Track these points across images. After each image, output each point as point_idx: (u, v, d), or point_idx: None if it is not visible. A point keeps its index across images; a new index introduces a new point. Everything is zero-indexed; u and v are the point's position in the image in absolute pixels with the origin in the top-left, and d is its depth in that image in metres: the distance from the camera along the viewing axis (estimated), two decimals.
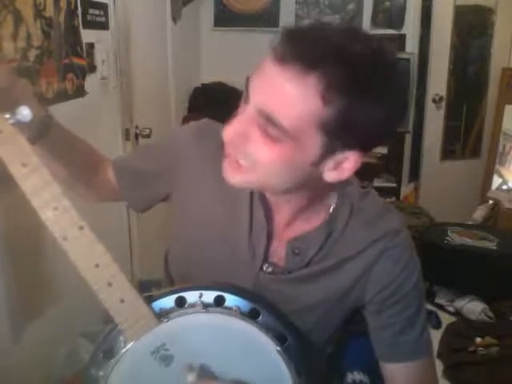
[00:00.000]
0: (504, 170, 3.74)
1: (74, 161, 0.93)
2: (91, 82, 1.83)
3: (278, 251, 0.90)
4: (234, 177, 0.80)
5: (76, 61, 1.71)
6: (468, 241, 2.71)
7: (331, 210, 0.89)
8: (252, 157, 0.76)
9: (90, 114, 1.83)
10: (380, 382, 0.95)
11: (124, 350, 0.80)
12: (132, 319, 0.78)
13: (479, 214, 3.39)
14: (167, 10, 2.75)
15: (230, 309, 0.82)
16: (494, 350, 2.17)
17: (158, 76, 2.70)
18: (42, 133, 0.82)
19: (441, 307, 2.60)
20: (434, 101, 3.76)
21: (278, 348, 0.82)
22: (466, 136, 3.96)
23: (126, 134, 2.18)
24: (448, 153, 3.94)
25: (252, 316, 0.82)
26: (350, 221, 0.88)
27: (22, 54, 1.39)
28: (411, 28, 3.52)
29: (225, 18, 3.52)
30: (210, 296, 0.82)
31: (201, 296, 0.82)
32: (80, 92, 1.75)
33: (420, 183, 3.82)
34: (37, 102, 0.83)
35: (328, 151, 0.74)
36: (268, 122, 0.72)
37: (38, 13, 1.46)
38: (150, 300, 0.80)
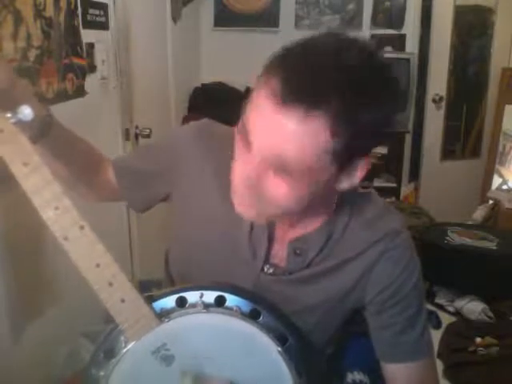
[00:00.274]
0: (504, 169, 3.75)
1: (75, 160, 0.93)
2: (91, 82, 1.82)
3: (280, 252, 0.90)
4: (250, 211, 0.79)
5: (76, 61, 1.71)
6: (468, 241, 2.71)
7: (332, 211, 0.89)
8: (266, 196, 0.76)
9: (90, 114, 1.82)
10: (380, 382, 0.95)
11: (125, 350, 0.80)
12: (133, 319, 0.78)
13: (479, 214, 3.40)
14: (167, 10, 2.75)
15: (230, 309, 0.82)
16: (494, 350, 2.17)
17: (158, 76, 2.70)
18: (43, 132, 0.82)
19: (441, 307, 2.60)
20: (434, 101, 3.76)
21: (279, 348, 0.82)
22: (466, 136, 3.96)
23: (126, 134, 2.18)
24: (448, 153, 3.94)
25: (253, 316, 0.82)
26: (350, 222, 0.88)
27: (22, 54, 1.39)
28: (411, 28, 3.52)
29: (225, 17, 3.53)
30: (210, 296, 0.82)
31: (201, 296, 0.82)
32: (80, 92, 1.75)
33: (420, 183, 3.82)
34: (37, 101, 0.83)
35: (341, 170, 0.75)
36: (278, 165, 0.71)
37: (38, 13, 1.46)
38: (150, 300, 0.80)
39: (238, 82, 3.49)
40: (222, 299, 0.82)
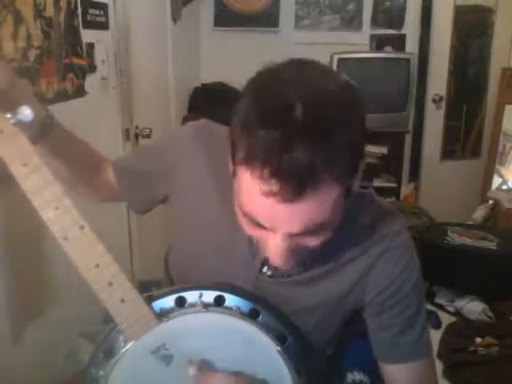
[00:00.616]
0: (504, 169, 3.74)
1: (75, 161, 0.94)
2: (91, 82, 1.83)
3: None
4: (290, 263, 0.79)
5: (76, 61, 1.71)
6: (468, 241, 2.71)
7: None
8: (305, 250, 0.77)
9: (90, 114, 1.82)
10: (380, 382, 0.95)
11: (124, 350, 0.80)
12: (132, 319, 0.78)
13: (479, 214, 3.40)
14: (167, 10, 2.75)
15: (230, 309, 0.82)
16: (494, 350, 2.17)
17: (158, 76, 2.70)
18: (43, 133, 0.82)
19: (441, 307, 2.60)
20: (434, 101, 3.76)
21: (278, 348, 0.82)
22: (466, 136, 3.96)
23: (126, 134, 2.18)
24: (448, 153, 3.94)
25: (252, 316, 0.82)
26: (349, 223, 0.88)
27: (22, 54, 1.39)
28: (411, 28, 3.52)
29: (225, 17, 3.53)
30: (210, 296, 0.82)
31: (201, 296, 0.82)
32: (80, 92, 1.75)
33: (420, 183, 3.82)
34: (37, 102, 0.83)
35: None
36: (307, 232, 0.72)
37: (38, 13, 1.46)
38: (150, 300, 0.81)
39: (237, 82, 3.46)
40: (222, 299, 0.82)
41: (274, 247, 0.74)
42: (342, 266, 0.88)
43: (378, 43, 3.54)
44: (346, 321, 0.94)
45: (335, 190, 0.69)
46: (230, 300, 0.82)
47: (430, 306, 2.56)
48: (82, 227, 0.75)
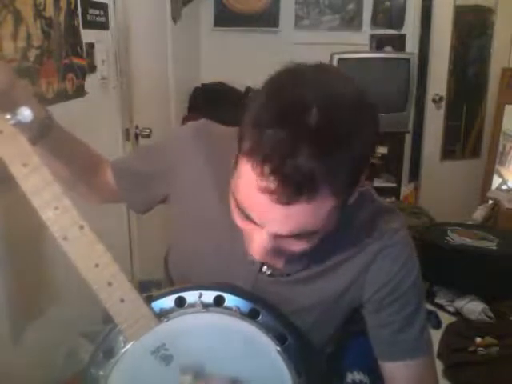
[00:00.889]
0: (504, 169, 3.74)
1: (74, 162, 0.94)
2: (91, 82, 1.83)
3: None
4: (280, 264, 0.81)
5: (76, 61, 1.71)
6: (468, 241, 2.71)
7: None
8: (286, 252, 0.78)
9: (90, 114, 1.82)
10: (380, 382, 0.95)
11: (124, 350, 0.80)
12: (132, 319, 0.78)
13: (479, 214, 3.39)
14: (167, 10, 2.75)
15: (229, 309, 0.82)
16: (494, 350, 2.17)
17: (158, 76, 2.70)
18: (43, 133, 0.82)
19: (441, 307, 2.60)
20: (434, 101, 3.76)
21: (278, 348, 0.82)
22: (466, 136, 3.96)
23: (126, 134, 2.18)
24: (448, 153, 3.94)
25: (252, 316, 0.82)
26: (348, 222, 0.88)
27: (22, 54, 1.39)
28: (411, 28, 3.52)
29: (225, 17, 3.53)
30: (209, 296, 0.82)
31: (200, 296, 0.82)
32: (80, 92, 1.75)
33: (420, 183, 3.82)
34: (37, 102, 0.83)
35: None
36: (292, 236, 0.73)
37: (38, 13, 1.46)
38: (149, 300, 0.81)
39: (238, 82, 3.49)
40: (221, 299, 0.82)
41: (259, 242, 0.74)
42: (340, 263, 0.88)
43: (378, 43, 3.54)
44: (346, 319, 0.94)
45: (331, 202, 0.69)
46: (230, 300, 0.83)
47: (429, 306, 2.56)
48: (81, 227, 0.75)
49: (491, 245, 2.68)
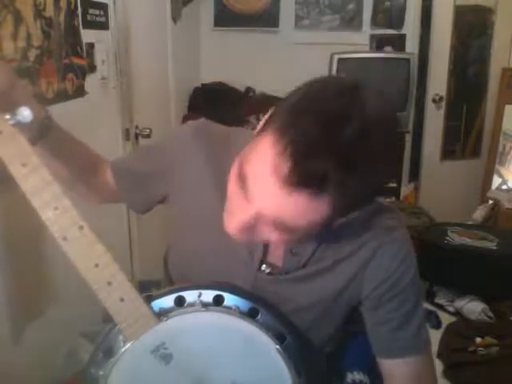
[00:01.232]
0: (504, 169, 3.74)
1: (73, 162, 0.94)
2: (91, 82, 1.83)
3: (276, 252, 0.90)
4: (242, 237, 0.79)
5: (76, 61, 1.71)
6: (468, 241, 2.72)
7: None
8: (261, 237, 0.78)
9: (90, 114, 1.83)
10: (379, 381, 0.95)
11: (124, 349, 0.80)
12: (132, 318, 0.78)
13: (479, 213, 3.39)
14: (167, 10, 2.75)
15: (229, 308, 0.82)
16: (494, 350, 2.17)
17: (158, 76, 2.70)
18: (42, 134, 0.82)
19: (441, 307, 2.60)
20: (434, 101, 3.76)
21: (278, 347, 0.82)
22: (466, 136, 3.96)
23: (126, 134, 2.18)
24: (448, 153, 3.94)
25: (251, 315, 0.83)
26: (346, 220, 0.88)
27: (22, 54, 1.39)
28: (411, 28, 3.52)
29: (225, 17, 3.52)
30: (209, 295, 0.82)
31: (200, 295, 0.82)
32: (80, 92, 1.75)
33: (420, 183, 3.82)
34: (36, 103, 0.83)
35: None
36: (276, 223, 0.72)
37: (38, 13, 1.46)
38: (149, 299, 0.81)
39: (238, 82, 3.49)
40: (221, 298, 0.82)
41: (240, 217, 0.74)
42: (339, 261, 0.89)
43: (378, 43, 3.54)
44: (346, 318, 0.94)
45: (325, 212, 0.69)
46: (229, 299, 0.83)
47: (430, 306, 2.56)
48: (81, 227, 0.75)
49: (491, 245, 2.68)
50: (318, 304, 0.90)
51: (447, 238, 2.75)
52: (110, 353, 0.81)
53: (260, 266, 0.90)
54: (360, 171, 0.67)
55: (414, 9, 3.49)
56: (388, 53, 3.48)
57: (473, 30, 3.74)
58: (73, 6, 1.68)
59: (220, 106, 3.25)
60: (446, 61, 3.73)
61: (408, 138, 3.67)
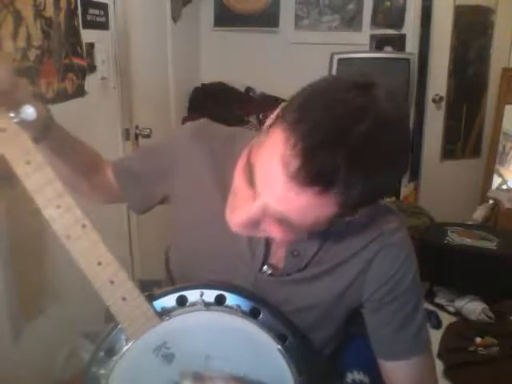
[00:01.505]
0: (504, 169, 3.74)
1: (74, 162, 0.94)
2: (91, 81, 1.83)
3: (278, 253, 0.90)
4: (244, 230, 0.79)
5: (76, 61, 1.71)
6: (468, 241, 2.71)
7: None
8: (264, 233, 0.77)
9: (90, 113, 1.83)
10: (380, 381, 0.95)
11: (125, 349, 0.80)
12: (133, 317, 0.78)
13: (479, 214, 3.39)
14: (167, 10, 2.75)
15: (230, 307, 0.82)
16: (494, 350, 2.17)
17: (158, 76, 2.70)
18: (45, 133, 0.82)
19: (441, 307, 2.60)
20: (434, 101, 3.76)
21: (279, 347, 0.82)
22: (466, 136, 3.96)
23: (126, 134, 2.18)
24: (448, 153, 3.93)
25: (253, 315, 0.83)
26: (347, 221, 0.88)
27: (22, 54, 1.39)
28: (411, 28, 3.51)
29: (225, 17, 3.52)
30: (210, 295, 0.82)
31: (202, 295, 0.82)
32: (80, 92, 1.75)
33: (420, 183, 3.82)
34: (38, 102, 0.83)
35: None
36: (281, 219, 0.72)
37: (38, 13, 1.46)
38: (151, 298, 0.81)
39: (238, 82, 3.49)
40: (222, 298, 0.83)
41: (245, 211, 0.73)
42: (340, 264, 0.89)
43: (378, 43, 3.53)
44: (347, 319, 0.94)
45: (332, 209, 0.68)
46: (231, 299, 0.83)
47: (430, 306, 2.56)
48: (83, 226, 0.75)
49: (491, 245, 2.68)
50: (318, 305, 0.90)
51: (447, 238, 2.75)
52: (111, 352, 0.81)
53: (261, 267, 0.90)
54: (369, 171, 0.66)
55: (414, 9, 3.49)
56: (388, 53, 3.47)
57: (473, 30, 3.74)
58: (73, 6, 1.68)
59: (220, 106, 3.25)
60: (446, 61, 3.73)
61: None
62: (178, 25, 2.89)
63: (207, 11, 3.53)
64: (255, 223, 0.75)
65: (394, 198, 3.38)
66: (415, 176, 3.82)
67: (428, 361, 0.93)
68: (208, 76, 3.53)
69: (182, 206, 0.96)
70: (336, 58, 3.20)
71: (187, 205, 0.95)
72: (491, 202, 3.51)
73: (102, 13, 1.93)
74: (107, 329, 0.82)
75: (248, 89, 3.49)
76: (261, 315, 0.83)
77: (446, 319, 2.49)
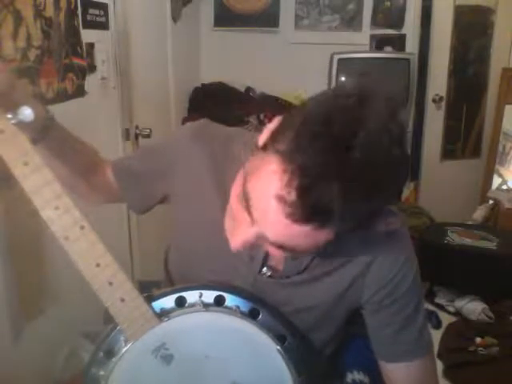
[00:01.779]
0: (504, 169, 3.74)
1: (74, 162, 0.94)
2: (91, 81, 1.82)
3: (277, 255, 0.90)
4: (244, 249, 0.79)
5: (76, 61, 1.71)
6: (468, 241, 2.72)
7: None
8: (264, 251, 0.79)
9: (90, 113, 1.82)
10: (380, 382, 0.95)
11: (124, 350, 0.80)
12: (132, 318, 0.78)
13: (479, 213, 3.39)
14: (167, 10, 2.75)
15: (229, 308, 0.82)
16: (494, 350, 2.17)
17: (158, 76, 2.70)
18: (43, 134, 0.82)
19: (441, 307, 2.60)
20: (434, 101, 3.76)
21: (278, 347, 0.82)
22: (466, 136, 3.96)
23: (126, 134, 2.18)
24: (448, 153, 3.93)
25: (252, 315, 0.83)
26: None
27: (22, 54, 1.39)
28: (411, 28, 3.52)
29: (225, 17, 3.52)
30: (210, 296, 0.82)
31: (201, 296, 0.82)
32: (80, 92, 1.75)
33: (420, 183, 3.82)
34: (37, 103, 0.83)
35: None
36: (277, 245, 0.72)
37: (38, 13, 1.46)
38: (150, 299, 0.81)
39: (238, 82, 3.49)
40: (222, 299, 0.83)
41: (243, 236, 0.73)
42: (340, 266, 0.89)
43: (378, 43, 3.53)
44: (347, 320, 0.94)
45: (328, 236, 0.69)
46: (230, 300, 0.83)
47: (430, 306, 2.56)
48: (82, 227, 0.75)
49: (491, 245, 2.68)
50: (318, 306, 0.90)
51: (447, 238, 2.75)
52: (110, 353, 0.81)
53: (261, 269, 0.90)
54: (368, 196, 0.65)
55: (414, 9, 3.49)
56: (388, 53, 3.47)
57: (473, 30, 3.74)
58: (73, 6, 1.68)
59: (220, 106, 3.25)
60: (446, 61, 3.73)
61: (408, 138, 3.67)
62: (178, 25, 2.89)
63: (207, 11, 3.53)
64: (253, 244, 0.75)
65: None
66: (415, 176, 3.82)
67: (429, 363, 0.93)
68: (208, 76, 3.53)
69: (182, 206, 0.96)
70: (336, 58, 3.20)
71: (187, 205, 0.95)
72: (491, 202, 3.51)
73: (102, 13, 1.93)
74: (107, 329, 0.82)
75: (248, 89, 3.49)
76: (260, 316, 0.83)
77: (446, 319, 2.49)
